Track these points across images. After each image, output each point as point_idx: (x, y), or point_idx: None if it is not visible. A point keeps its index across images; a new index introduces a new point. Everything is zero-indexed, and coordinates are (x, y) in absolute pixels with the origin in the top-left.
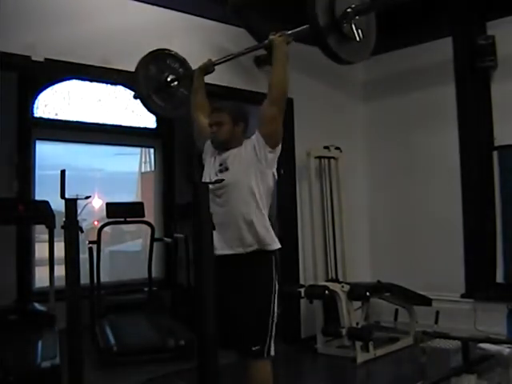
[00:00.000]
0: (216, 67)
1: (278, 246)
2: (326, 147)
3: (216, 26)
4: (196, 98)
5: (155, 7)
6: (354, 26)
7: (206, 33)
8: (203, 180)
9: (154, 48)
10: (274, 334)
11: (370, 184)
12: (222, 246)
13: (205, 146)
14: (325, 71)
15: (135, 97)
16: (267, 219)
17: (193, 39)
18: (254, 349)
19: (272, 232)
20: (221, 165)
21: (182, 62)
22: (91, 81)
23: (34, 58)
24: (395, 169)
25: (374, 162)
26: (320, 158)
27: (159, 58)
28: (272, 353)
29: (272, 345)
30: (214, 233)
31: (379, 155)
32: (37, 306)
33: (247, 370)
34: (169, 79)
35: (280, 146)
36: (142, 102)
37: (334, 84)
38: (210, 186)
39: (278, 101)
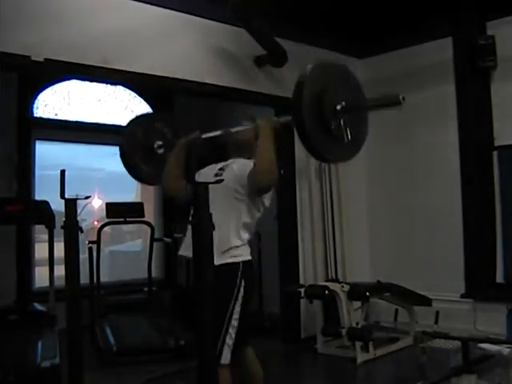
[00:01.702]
0: (216, 67)
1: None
2: None
3: (216, 26)
4: (172, 173)
5: (155, 7)
6: (342, 125)
7: (206, 33)
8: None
9: (154, 48)
10: (228, 341)
11: (369, 184)
12: None
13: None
14: None
15: (120, 156)
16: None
17: (193, 39)
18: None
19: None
20: (220, 169)
21: (171, 126)
22: (91, 81)
23: (33, 58)
24: (395, 169)
25: (373, 162)
26: None
27: (148, 122)
28: (223, 361)
29: (224, 353)
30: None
31: (379, 155)
32: (37, 305)
33: None
34: (156, 145)
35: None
36: (125, 165)
37: None
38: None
39: (266, 189)
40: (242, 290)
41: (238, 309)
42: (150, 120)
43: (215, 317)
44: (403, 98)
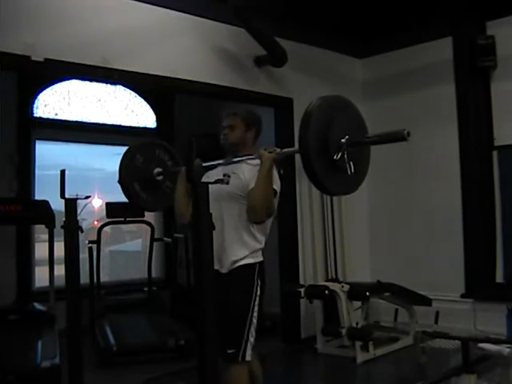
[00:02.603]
0: (216, 67)
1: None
2: None
3: (216, 26)
4: (181, 201)
5: (155, 7)
6: (346, 158)
7: (206, 33)
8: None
9: (154, 48)
10: (251, 338)
11: (369, 184)
12: None
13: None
14: (325, 71)
15: (119, 182)
16: (254, 234)
17: (192, 39)
18: (229, 352)
19: (255, 245)
20: (224, 175)
21: (172, 154)
22: (91, 81)
23: (33, 58)
24: (395, 169)
25: (373, 162)
26: None
27: (148, 148)
28: (247, 358)
29: (248, 349)
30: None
31: (379, 155)
32: (37, 305)
33: (224, 373)
34: (155, 172)
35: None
36: (124, 190)
37: (333, 84)
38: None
39: (259, 221)
40: (258, 288)
41: (256, 307)
42: (149, 147)
43: (238, 316)
44: (408, 134)
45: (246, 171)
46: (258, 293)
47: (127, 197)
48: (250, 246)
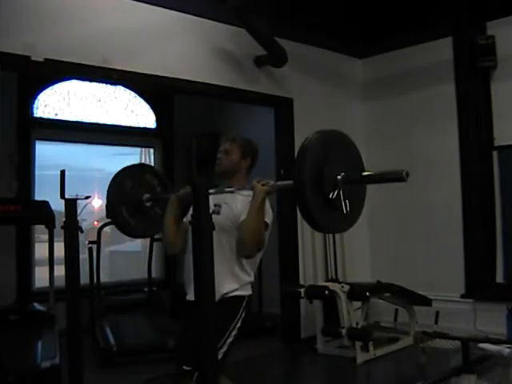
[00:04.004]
0: (216, 67)
1: (243, 293)
2: None
3: (216, 26)
4: (170, 232)
5: (155, 7)
6: (341, 196)
7: (205, 33)
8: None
9: (154, 48)
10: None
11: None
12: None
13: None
14: (325, 71)
15: (106, 206)
16: (243, 265)
17: (192, 39)
18: (185, 368)
19: (242, 276)
20: (215, 205)
21: (161, 179)
22: (91, 81)
23: (33, 58)
24: (395, 169)
25: (373, 162)
26: None
27: (137, 173)
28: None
29: None
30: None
31: (379, 155)
32: (37, 305)
33: None
34: (144, 197)
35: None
36: (112, 217)
37: (333, 84)
38: None
39: (252, 253)
40: (240, 321)
41: (231, 339)
42: (139, 172)
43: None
44: (407, 174)
45: (238, 202)
46: (238, 325)
47: (114, 222)
48: (240, 279)
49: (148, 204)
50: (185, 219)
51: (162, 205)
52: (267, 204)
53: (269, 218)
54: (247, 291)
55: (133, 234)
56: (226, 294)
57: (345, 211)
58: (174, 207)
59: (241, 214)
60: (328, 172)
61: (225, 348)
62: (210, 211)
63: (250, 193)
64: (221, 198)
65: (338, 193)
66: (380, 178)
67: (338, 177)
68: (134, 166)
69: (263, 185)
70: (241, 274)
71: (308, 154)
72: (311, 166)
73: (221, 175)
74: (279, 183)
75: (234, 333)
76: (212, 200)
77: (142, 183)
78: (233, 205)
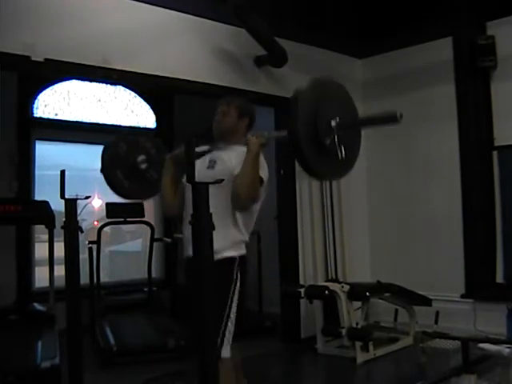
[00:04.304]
0: (216, 67)
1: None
2: None
3: (216, 26)
4: (167, 194)
5: (155, 7)
6: (336, 142)
7: (205, 33)
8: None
9: (154, 48)
10: (227, 335)
11: (369, 184)
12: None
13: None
14: (325, 71)
15: (101, 171)
16: (239, 225)
17: (192, 39)
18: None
19: (239, 236)
20: (210, 161)
21: (155, 142)
22: (91, 81)
23: (33, 58)
24: (395, 169)
25: (373, 162)
26: None
27: (131, 136)
28: (223, 355)
29: (225, 346)
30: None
31: (379, 155)
32: (37, 306)
33: None
34: (139, 159)
35: (264, 195)
36: (108, 181)
37: None
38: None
39: (247, 206)
40: (238, 283)
41: (235, 302)
42: (132, 135)
43: (215, 311)
44: (401, 116)
45: (233, 157)
46: (237, 287)
47: (109, 184)
48: (232, 236)
49: (143, 166)
50: (183, 180)
51: (158, 167)
52: (262, 159)
53: (264, 173)
54: (239, 251)
55: (129, 196)
56: (216, 252)
57: (341, 157)
58: (170, 167)
59: (235, 168)
60: (321, 119)
61: (232, 316)
62: (206, 167)
63: (245, 148)
64: (216, 154)
65: (333, 139)
66: (373, 120)
67: (332, 123)
68: (127, 128)
69: (256, 137)
70: (233, 230)
71: (300, 101)
72: (304, 113)
73: (219, 136)
74: (273, 133)
75: (235, 297)
76: (208, 156)
77: (137, 146)
78: (227, 160)
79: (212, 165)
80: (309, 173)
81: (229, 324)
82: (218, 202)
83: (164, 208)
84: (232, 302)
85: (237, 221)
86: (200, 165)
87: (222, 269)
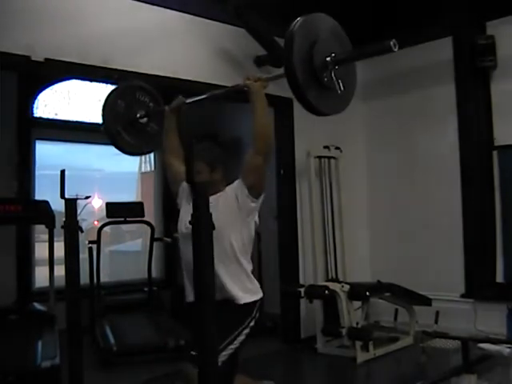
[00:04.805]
0: (216, 67)
1: (254, 298)
2: (326, 147)
3: (216, 25)
4: (167, 141)
5: (155, 7)
6: (334, 77)
7: (206, 33)
8: (179, 225)
9: (154, 48)
10: (224, 353)
11: (369, 184)
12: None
13: (179, 189)
14: None
15: (103, 130)
16: (246, 269)
17: (193, 39)
18: (192, 353)
19: (249, 283)
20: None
21: (153, 95)
22: (91, 81)
23: (33, 58)
24: (395, 169)
25: (373, 162)
26: (320, 157)
27: (128, 92)
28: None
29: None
30: (187, 280)
31: (379, 155)
32: (37, 305)
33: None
34: (138, 115)
35: (263, 195)
36: (110, 139)
37: None
38: (187, 231)
39: (264, 150)
40: (254, 320)
41: (243, 337)
42: (130, 91)
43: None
44: (395, 44)
45: (228, 191)
46: (252, 324)
47: (113, 143)
48: (250, 288)
49: (143, 121)
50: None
51: (157, 119)
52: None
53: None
54: (258, 295)
55: (133, 152)
56: (238, 300)
57: (339, 91)
58: (172, 118)
59: (235, 193)
60: (317, 55)
61: (236, 344)
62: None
63: (230, 186)
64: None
65: (330, 74)
66: (368, 52)
67: (328, 58)
68: (123, 85)
69: (256, 81)
70: (248, 283)
71: (295, 39)
72: (299, 51)
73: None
74: (272, 75)
75: (245, 331)
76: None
77: (135, 101)
78: (222, 198)
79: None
80: (311, 110)
81: (231, 345)
82: (226, 250)
83: (166, 151)
84: (240, 334)
85: (241, 263)
86: (187, 213)
87: (243, 309)
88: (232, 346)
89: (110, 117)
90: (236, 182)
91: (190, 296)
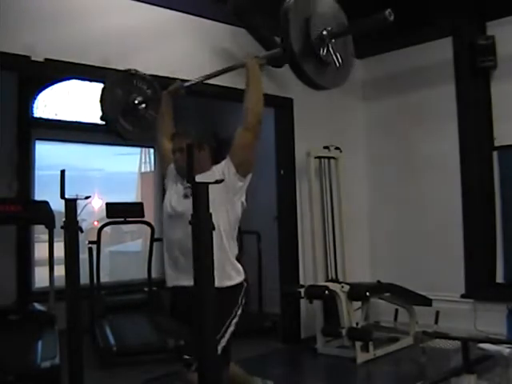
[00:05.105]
0: (216, 67)
1: (236, 281)
2: (326, 147)
3: (216, 26)
4: (162, 123)
5: (155, 7)
6: (331, 51)
7: (206, 33)
8: (164, 206)
9: (154, 48)
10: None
11: (369, 184)
12: (177, 277)
13: (167, 170)
14: None
15: (101, 118)
16: (230, 251)
17: (193, 39)
18: (185, 357)
19: (231, 267)
20: (186, 188)
21: (150, 82)
22: (91, 81)
23: (33, 58)
24: (395, 169)
25: (373, 162)
26: (320, 158)
27: (126, 80)
28: None
29: None
30: (169, 263)
31: (379, 155)
32: (37, 305)
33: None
34: (136, 102)
35: (251, 174)
36: (109, 126)
37: None
38: (172, 211)
39: (254, 126)
40: (240, 308)
41: (231, 327)
42: (126, 79)
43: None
44: (390, 14)
45: (216, 171)
46: (239, 312)
47: (114, 133)
48: (234, 267)
49: (142, 107)
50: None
51: (156, 106)
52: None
53: None
54: (241, 277)
55: (132, 138)
56: (223, 283)
57: (337, 64)
58: (169, 101)
59: (222, 171)
60: (313, 29)
61: (227, 336)
62: (182, 195)
63: (218, 165)
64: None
65: (328, 48)
66: (364, 24)
67: (324, 32)
68: (120, 72)
69: (253, 59)
70: (233, 271)
71: (290, 15)
72: (295, 26)
73: (183, 173)
74: (268, 53)
75: (234, 320)
76: (181, 187)
77: (132, 89)
78: (209, 178)
79: (188, 193)
80: (310, 85)
81: (221, 344)
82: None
83: (158, 131)
84: (230, 325)
85: (227, 250)
86: (172, 194)
87: (229, 294)
88: (224, 339)
89: (108, 104)
90: (224, 161)
91: (171, 280)
